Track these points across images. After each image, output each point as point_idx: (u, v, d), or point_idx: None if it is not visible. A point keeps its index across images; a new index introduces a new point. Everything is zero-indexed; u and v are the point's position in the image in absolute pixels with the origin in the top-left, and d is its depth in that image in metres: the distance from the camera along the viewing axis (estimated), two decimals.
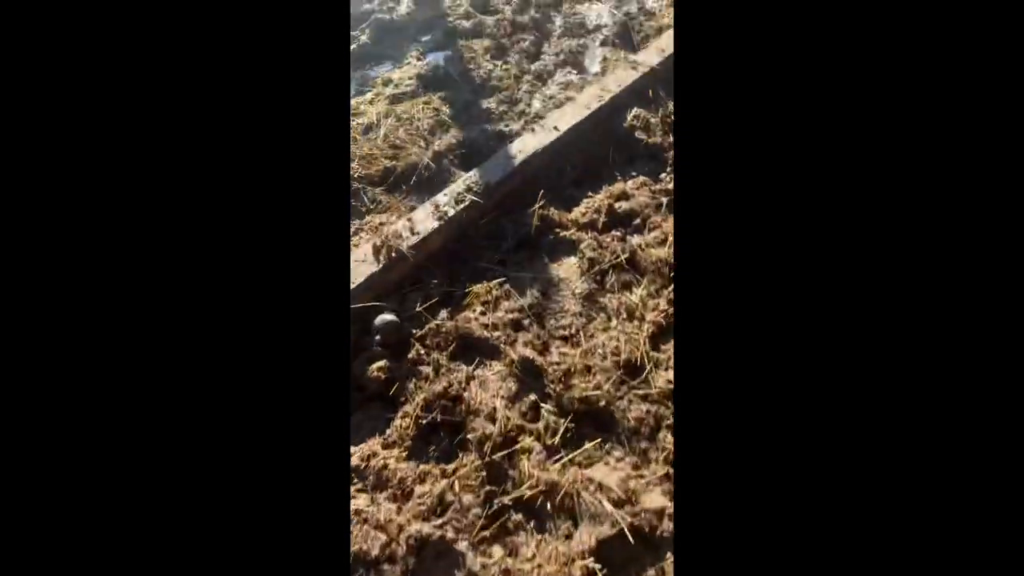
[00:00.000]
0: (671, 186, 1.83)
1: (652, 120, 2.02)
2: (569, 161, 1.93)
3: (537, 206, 1.76)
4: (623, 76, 2.11)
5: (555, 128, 1.91)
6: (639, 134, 1.98)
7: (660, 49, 2.21)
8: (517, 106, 2.22)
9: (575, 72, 2.37)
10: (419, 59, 2.47)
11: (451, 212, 1.67)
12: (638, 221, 1.75)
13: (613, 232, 1.71)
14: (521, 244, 1.73)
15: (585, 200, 1.82)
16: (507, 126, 2.13)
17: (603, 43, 2.50)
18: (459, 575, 1.13)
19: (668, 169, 1.92)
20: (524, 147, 1.86)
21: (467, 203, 1.70)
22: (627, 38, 2.51)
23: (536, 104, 2.23)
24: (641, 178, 1.88)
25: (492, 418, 1.34)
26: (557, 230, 1.74)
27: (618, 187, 1.84)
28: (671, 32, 2.41)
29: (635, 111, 2.03)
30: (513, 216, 1.77)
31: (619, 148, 1.99)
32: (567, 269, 1.66)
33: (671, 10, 2.59)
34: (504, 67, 2.38)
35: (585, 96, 2.03)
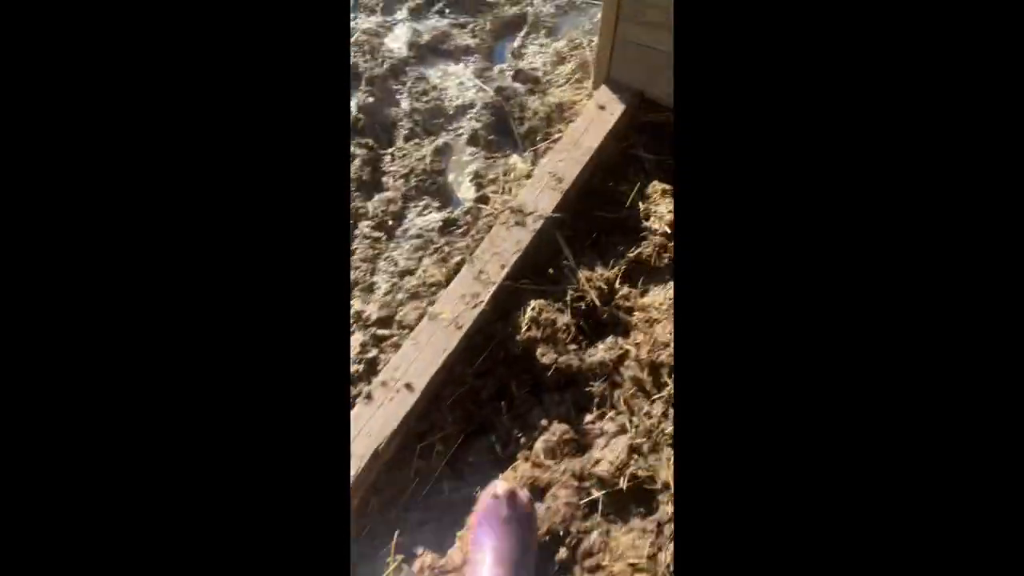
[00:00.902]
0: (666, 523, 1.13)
1: (561, 319, 1.28)
2: (435, 428, 1.19)
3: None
4: (505, 241, 1.34)
5: (407, 387, 1.15)
6: (542, 351, 1.25)
7: (556, 178, 1.43)
8: (351, 303, 1.42)
9: (436, 205, 1.57)
10: None
11: None
12: None
13: None
14: None
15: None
16: None
17: (472, 140, 1.69)
18: None
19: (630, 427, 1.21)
20: (366, 425, 1.09)
21: None
22: (505, 129, 1.71)
23: (379, 292, 1.43)
24: (564, 466, 1.18)
25: None
26: None
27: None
28: (574, 120, 1.63)
29: (533, 307, 1.28)
30: None
31: (519, 378, 1.26)
32: None
33: (564, 68, 1.79)
34: None
35: (450, 298, 1.26)
